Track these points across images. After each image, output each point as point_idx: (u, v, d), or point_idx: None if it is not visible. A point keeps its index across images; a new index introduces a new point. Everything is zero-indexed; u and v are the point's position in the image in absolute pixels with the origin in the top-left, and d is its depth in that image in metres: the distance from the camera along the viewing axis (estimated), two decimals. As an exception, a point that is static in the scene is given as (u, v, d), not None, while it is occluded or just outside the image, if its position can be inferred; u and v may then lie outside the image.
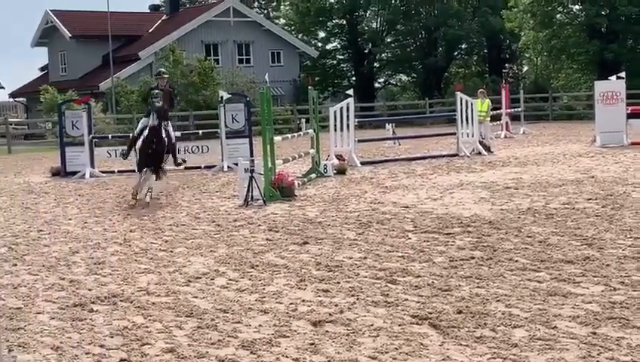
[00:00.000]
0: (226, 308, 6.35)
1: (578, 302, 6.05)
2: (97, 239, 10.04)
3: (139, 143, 13.46)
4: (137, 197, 13.26)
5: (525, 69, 56.10)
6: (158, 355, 5.27)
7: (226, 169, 19.33)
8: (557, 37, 42.82)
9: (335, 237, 9.32)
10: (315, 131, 17.44)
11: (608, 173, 14.84)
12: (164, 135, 13.40)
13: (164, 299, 6.77)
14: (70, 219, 11.99)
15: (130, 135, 16.42)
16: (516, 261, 7.57)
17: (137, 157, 13.64)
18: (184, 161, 14.54)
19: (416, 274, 7.23)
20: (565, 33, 42.91)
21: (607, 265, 7.24)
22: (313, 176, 16.44)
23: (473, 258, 7.80)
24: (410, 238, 9.10)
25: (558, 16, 44.07)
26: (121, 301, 6.71)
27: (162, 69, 16.17)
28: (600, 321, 5.55)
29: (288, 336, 5.54)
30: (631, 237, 8.47)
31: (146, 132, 13.32)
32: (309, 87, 18.46)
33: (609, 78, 22.77)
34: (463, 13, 50.59)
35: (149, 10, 55.35)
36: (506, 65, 55.77)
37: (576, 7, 43.14)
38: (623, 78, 21.89)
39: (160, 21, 50.82)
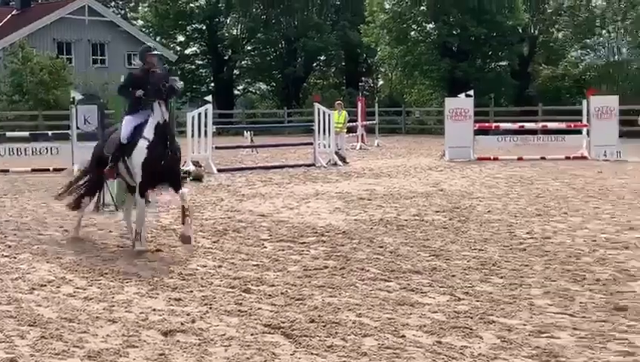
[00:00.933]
0: (72, 317, 6.12)
1: (425, 312, 6.25)
2: None
3: (142, 155, 8.88)
4: (139, 240, 8.99)
5: (381, 83, 57.69)
6: (-4, 367, 5.00)
7: (76, 172, 18.64)
8: (411, 53, 44.36)
9: (189, 245, 9.19)
10: (171, 136, 17.13)
11: (456, 186, 15.47)
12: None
13: (5, 307, 6.43)
14: None
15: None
16: (368, 271, 7.74)
17: (140, 174, 8.97)
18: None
19: (271, 283, 7.24)
20: (419, 50, 44.51)
21: (453, 275, 7.53)
22: (168, 182, 16.15)
23: (327, 267, 7.90)
24: (265, 247, 9.11)
25: (413, 33, 45.68)
26: (-43, 310, 6.33)
27: (151, 44, 10.60)
28: (445, 330, 5.75)
29: (137, 346, 5.40)
30: (475, 249, 8.86)
31: (150, 136, 8.86)
32: (167, 92, 18.14)
33: (458, 95, 23.83)
34: (323, 26, 51.45)
35: (-2, 4, 52.74)
36: (363, 78, 57.15)
37: (430, 25, 44.88)
38: (471, 95, 22.95)
39: (10, 16, 48.50)
